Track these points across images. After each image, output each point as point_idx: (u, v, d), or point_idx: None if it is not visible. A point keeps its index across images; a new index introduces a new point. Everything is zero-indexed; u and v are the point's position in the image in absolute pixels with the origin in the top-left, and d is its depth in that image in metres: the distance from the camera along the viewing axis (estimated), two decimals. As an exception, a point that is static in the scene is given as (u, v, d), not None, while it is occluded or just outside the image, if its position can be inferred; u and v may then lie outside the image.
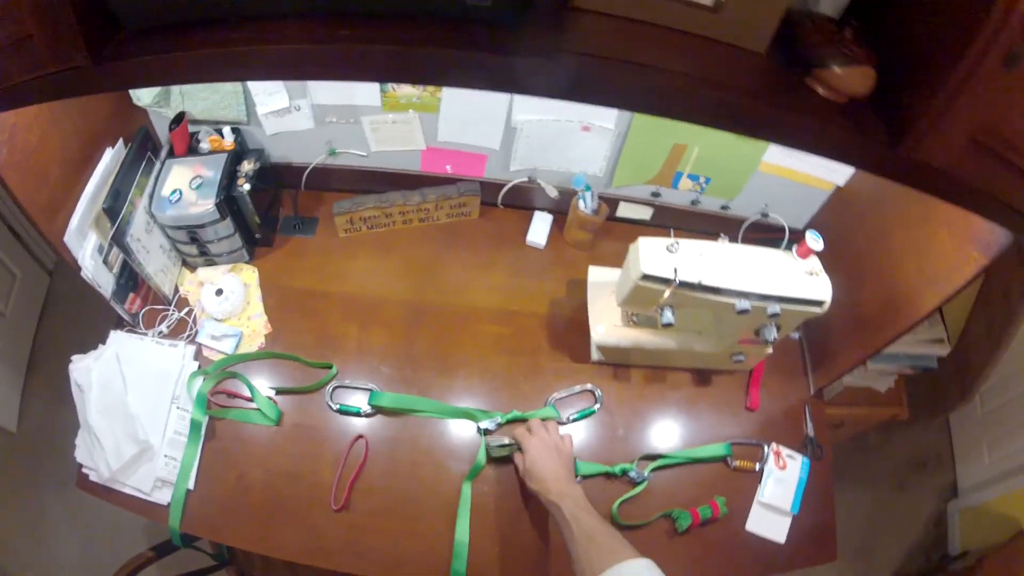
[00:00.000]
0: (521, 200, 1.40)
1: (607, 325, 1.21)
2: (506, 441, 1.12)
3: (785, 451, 1.19)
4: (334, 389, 1.23)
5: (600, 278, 1.25)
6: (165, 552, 1.31)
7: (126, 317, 1.34)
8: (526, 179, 1.33)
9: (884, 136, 0.66)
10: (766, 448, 1.18)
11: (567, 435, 1.12)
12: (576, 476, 1.12)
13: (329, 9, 0.69)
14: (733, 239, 1.38)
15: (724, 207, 1.37)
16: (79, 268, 1.20)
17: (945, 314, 1.51)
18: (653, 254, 1.02)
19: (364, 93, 1.24)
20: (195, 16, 0.74)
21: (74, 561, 2.03)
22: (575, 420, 1.20)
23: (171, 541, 1.26)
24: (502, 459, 1.14)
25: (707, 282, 1.00)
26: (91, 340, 1.32)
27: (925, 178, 0.68)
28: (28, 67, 0.76)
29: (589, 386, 1.23)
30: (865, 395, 1.70)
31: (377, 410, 1.20)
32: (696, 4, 0.65)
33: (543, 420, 1.15)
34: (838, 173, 1.22)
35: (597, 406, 1.21)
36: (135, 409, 1.23)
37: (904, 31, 0.67)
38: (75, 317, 2.41)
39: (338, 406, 1.21)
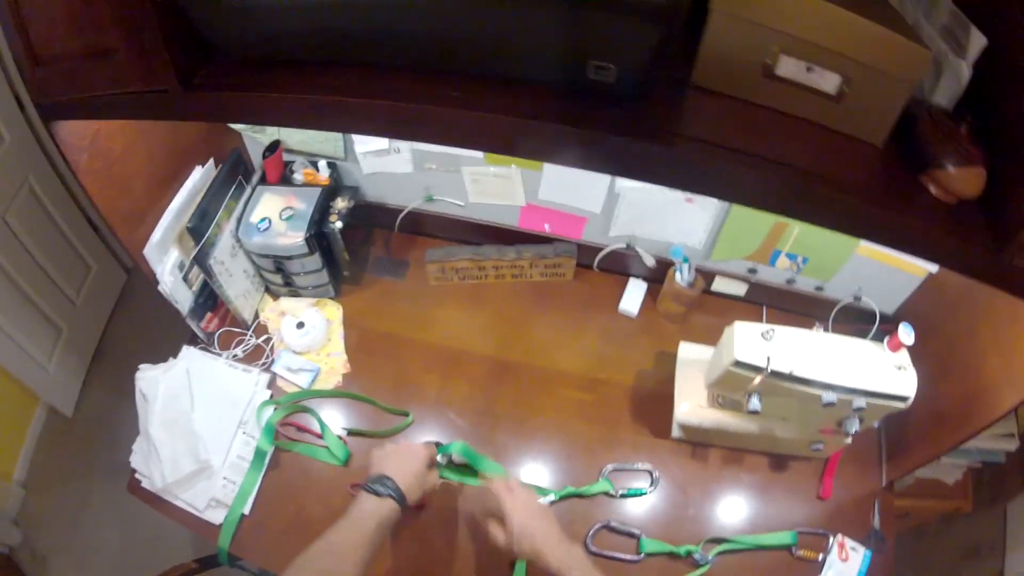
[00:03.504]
0: (616, 266, 1.37)
1: (692, 404, 1.17)
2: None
3: (849, 543, 1.15)
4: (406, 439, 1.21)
5: (690, 355, 1.22)
6: (208, 566, 1.32)
7: (201, 335, 1.34)
8: (624, 246, 1.30)
9: (988, 241, 0.63)
10: (831, 539, 1.15)
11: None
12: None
13: (440, 64, 0.65)
14: (823, 321, 1.34)
15: (819, 288, 1.33)
16: (156, 282, 1.19)
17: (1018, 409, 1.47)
18: (748, 340, 1.00)
19: (467, 141, 1.22)
20: (297, 54, 0.68)
21: (111, 553, 2.03)
22: (624, 496, 1.16)
23: (215, 556, 1.27)
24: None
25: (798, 373, 0.98)
26: (162, 345, 1.31)
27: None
28: (112, 81, 0.75)
29: (648, 466, 1.19)
30: (932, 487, 1.66)
31: (448, 460, 1.17)
32: (819, 92, 0.63)
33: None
34: (933, 260, 1.18)
35: (651, 488, 1.17)
36: (199, 427, 1.24)
37: (1018, 128, 0.63)
38: (149, 318, 2.41)
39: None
